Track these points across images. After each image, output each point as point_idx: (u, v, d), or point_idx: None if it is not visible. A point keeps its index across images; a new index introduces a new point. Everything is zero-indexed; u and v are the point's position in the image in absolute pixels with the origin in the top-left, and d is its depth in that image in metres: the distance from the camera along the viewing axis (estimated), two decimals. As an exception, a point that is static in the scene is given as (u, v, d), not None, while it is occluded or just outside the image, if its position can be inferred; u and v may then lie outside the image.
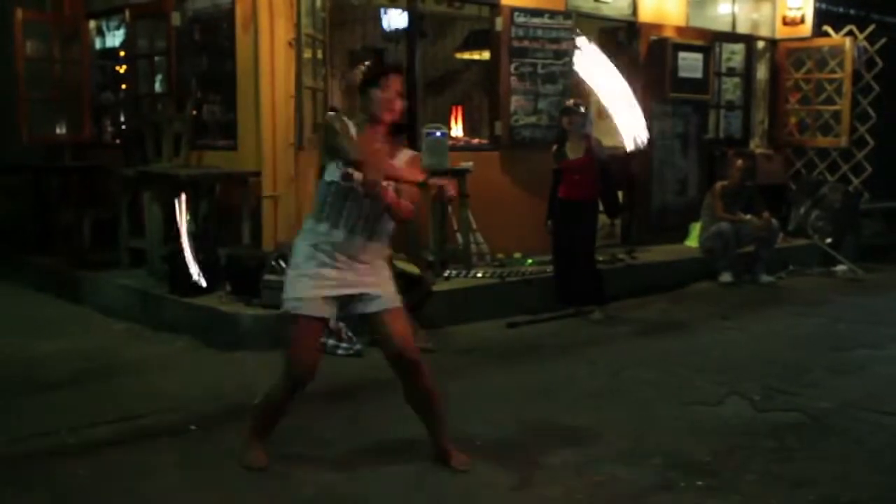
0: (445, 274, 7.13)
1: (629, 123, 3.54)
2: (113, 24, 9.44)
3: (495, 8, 8.12)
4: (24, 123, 8.54)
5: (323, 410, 4.54)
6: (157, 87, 8.19)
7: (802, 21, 10.63)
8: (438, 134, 7.33)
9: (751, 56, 10.50)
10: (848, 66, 10.25)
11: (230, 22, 7.11)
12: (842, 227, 9.92)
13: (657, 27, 9.30)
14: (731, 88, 10.61)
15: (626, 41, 9.39)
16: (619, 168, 8.81)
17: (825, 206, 10.02)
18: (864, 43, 10.48)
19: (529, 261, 7.78)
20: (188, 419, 4.47)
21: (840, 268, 9.19)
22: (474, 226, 7.68)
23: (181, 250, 6.44)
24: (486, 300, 6.93)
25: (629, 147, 3.75)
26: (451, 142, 7.72)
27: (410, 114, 7.95)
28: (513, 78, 8.16)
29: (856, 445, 4.23)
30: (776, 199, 9.95)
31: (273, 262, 6.06)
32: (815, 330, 6.78)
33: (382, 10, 10.15)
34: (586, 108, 7.41)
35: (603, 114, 3.51)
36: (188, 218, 6.59)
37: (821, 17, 10.85)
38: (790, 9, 10.59)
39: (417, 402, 3.92)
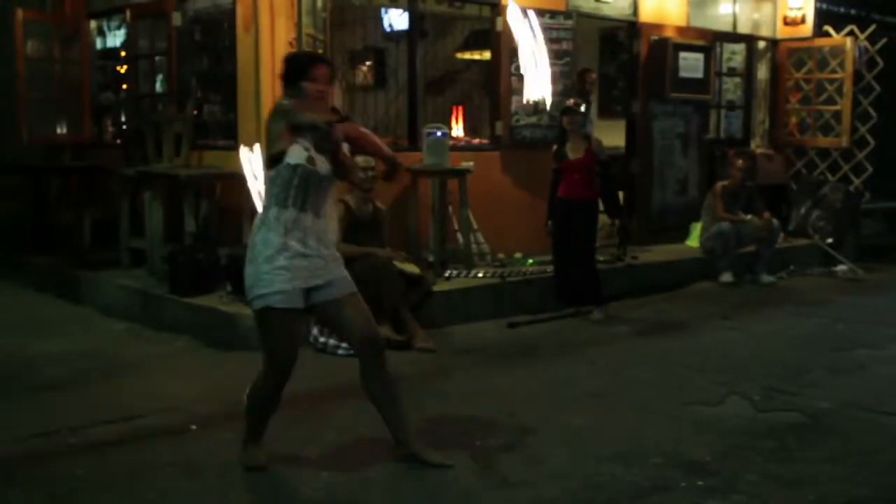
0: (446, 274, 7.13)
1: (536, 82, 3.70)
2: (113, 24, 9.44)
3: (496, 8, 8.11)
4: (24, 123, 8.54)
5: (323, 410, 4.54)
6: (158, 87, 8.19)
7: (803, 21, 10.62)
8: (439, 134, 7.33)
9: (751, 56, 10.50)
10: (849, 66, 10.25)
11: (231, 22, 7.12)
12: (842, 228, 9.91)
13: (658, 27, 9.30)
14: (731, 88, 10.61)
15: (626, 41, 9.40)
16: (619, 168, 8.84)
17: (826, 206, 10.02)
18: (865, 43, 10.47)
19: (530, 261, 7.78)
20: (188, 419, 4.47)
21: (840, 268, 9.19)
22: (475, 226, 7.68)
23: (182, 250, 6.46)
24: (487, 300, 6.93)
25: (532, 99, 3.87)
26: (451, 142, 7.72)
27: (411, 114, 7.98)
28: (513, 78, 8.16)
29: (855, 445, 4.23)
30: (777, 199, 9.95)
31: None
32: (815, 330, 6.78)
33: (383, 10, 10.16)
34: (587, 109, 7.42)
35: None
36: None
37: (821, 17, 10.84)
38: (791, 9, 10.58)
39: (380, 392, 3.89)
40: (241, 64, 7.07)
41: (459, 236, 7.52)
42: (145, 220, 7.08)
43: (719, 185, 8.73)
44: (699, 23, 9.75)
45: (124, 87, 9.03)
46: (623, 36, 9.90)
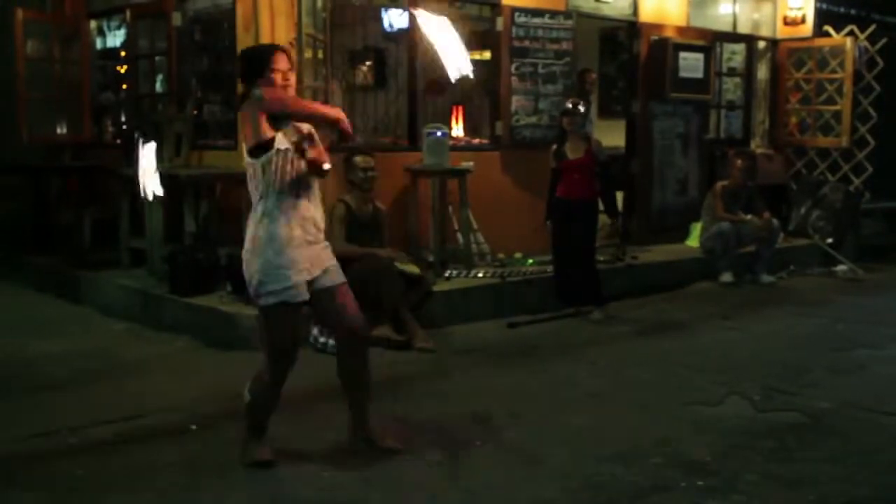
0: (446, 274, 7.13)
1: (451, 54, 3.74)
2: (113, 24, 9.45)
3: (496, 8, 8.12)
4: (24, 123, 8.54)
5: (323, 410, 4.54)
6: (158, 87, 8.19)
7: (803, 21, 10.62)
8: (439, 134, 7.33)
9: (751, 56, 10.50)
10: (849, 66, 10.24)
11: (231, 22, 7.11)
12: (842, 228, 9.91)
13: (658, 27, 9.30)
14: (731, 88, 10.61)
15: (626, 41, 9.40)
16: (619, 168, 8.84)
17: (826, 206, 10.01)
18: (865, 43, 10.47)
19: (530, 261, 7.78)
20: (188, 419, 4.47)
21: (841, 268, 9.19)
22: (475, 226, 7.68)
23: (182, 250, 6.46)
24: (487, 300, 6.93)
25: (452, 76, 3.89)
26: (451, 142, 7.72)
27: (411, 114, 7.98)
28: (513, 78, 8.16)
29: (855, 445, 4.23)
30: (777, 199, 9.94)
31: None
32: (815, 330, 6.78)
33: (383, 10, 10.15)
34: (586, 109, 7.42)
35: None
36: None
37: (822, 17, 10.84)
38: (791, 9, 10.58)
39: (354, 378, 3.92)
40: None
41: (459, 236, 7.52)
42: (145, 220, 7.08)
43: (719, 185, 8.73)
44: (699, 23, 9.75)
45: (124, 87, 9.03)
46: (623, 36, 9.90)
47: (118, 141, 8.89)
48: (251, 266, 3.68)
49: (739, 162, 8.64)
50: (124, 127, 8.88)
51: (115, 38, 9.62)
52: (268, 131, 3.59)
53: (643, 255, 8.47)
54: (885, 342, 6.33)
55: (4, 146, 8.77)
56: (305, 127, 3.77)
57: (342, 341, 3.93)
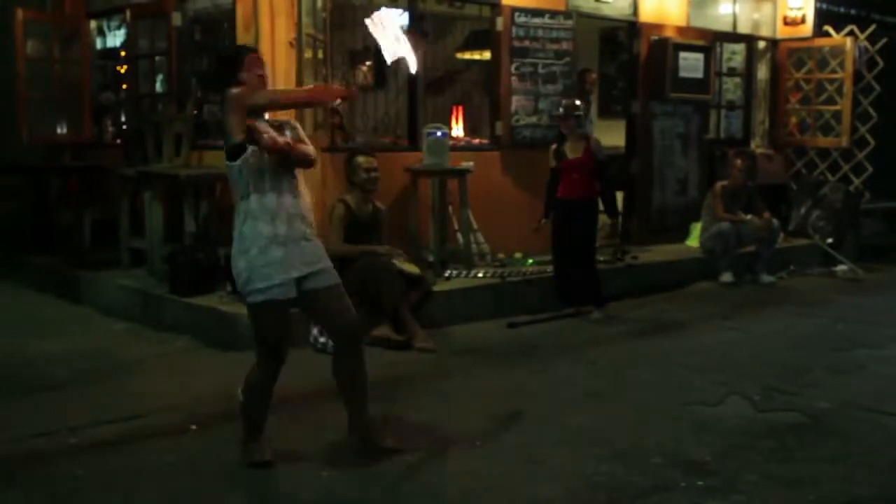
0: (446, 274, 7.13)
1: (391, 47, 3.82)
2: (113, 24, 9.45)
3: (496, 8, 8.12)
4: (24, 123, 8.54)
5: (323, 410, 4.53)
6: (158, 87, 8.19)
7: (803, 21, 10.62)
8: (439, 134, 7.33)
9: (751, 56, 10.50)
10: (849, 66, 10.24)
11: (231, 22, 7.11)
12: (842, 228, 9.91)
13: (658, 27, 9.30)
14: (731, 88, 10.61)
15: (626, 41, 9.41)
16: (618, 168, 8.84)
17: (826, 206, 10.01)
18: (865, 43, 10.47)
19: (530, 261, 7.78)
20: (188, 419, 4.47)
21: (841, 268, 9.19)
22: (475, 226, 7.68)
23: (182, 250, 6.45)
24: (487, 300, 6.93)
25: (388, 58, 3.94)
26: (451, 142, 7.72)
27: (411, 113, 7.97)
28: (513, 78, 8.16)
29: (855, 445, 4.23)
30: (777, 199, 9.95)
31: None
32: (815, 330, 6.78)
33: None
34: (585, 109, 7.42)
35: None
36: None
37: (821, 17, 10.84)
38: (791, 9, 10.58)
39: (350, 378, 3.92)
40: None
41: (459, 236, 7.52)
42: (145, 220, 7.08)
43: (719, 185, 8.73)
44: (699, 23, 9.75)
45: (124, 87, 9.03)
46: (623, 36, 9.90)
47: (118, 141, 8.89)
48: (237, 265, 3.71)
49: (739, 162, 8.64)
50: (124, 127, 8.88)
51: (115, 38, 9.62)
52: (243, 132, 3.60)
53: (643, 255, 8.47)
54: (885, 342, 6.33)
55: (4, 146, 8.78)
56: (286, 123, 3.80)
57: (337, 342, 3.93)
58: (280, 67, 6.78)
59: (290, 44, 6.66)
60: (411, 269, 6.24)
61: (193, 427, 4.38)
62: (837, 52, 10.33)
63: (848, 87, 10.26)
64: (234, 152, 3.63)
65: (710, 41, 9.74)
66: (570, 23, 8.48)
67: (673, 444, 4.19)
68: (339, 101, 3.89)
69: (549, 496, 3.63)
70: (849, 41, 10.26)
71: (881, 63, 10.41)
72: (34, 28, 8.69)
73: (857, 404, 4.84)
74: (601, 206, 7.11)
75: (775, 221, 8.69)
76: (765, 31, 10.67)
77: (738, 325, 6.89)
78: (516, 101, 8.20)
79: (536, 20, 8.24)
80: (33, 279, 7.99)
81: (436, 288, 6.58)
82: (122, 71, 9.14)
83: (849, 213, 10.05)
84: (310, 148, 3.79)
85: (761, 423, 4.52)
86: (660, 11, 9.32)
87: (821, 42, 10.54)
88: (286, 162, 3.70)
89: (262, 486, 3.73)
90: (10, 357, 5.75)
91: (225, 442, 4.09)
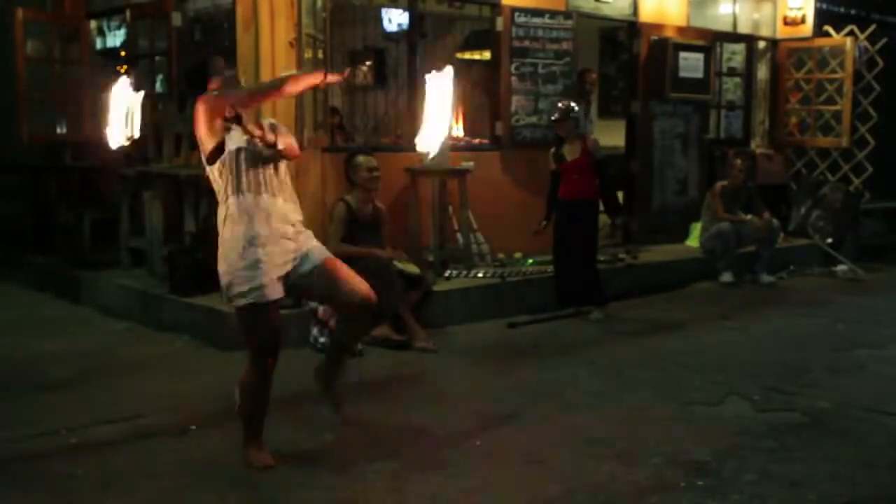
0: (446, 274, 7.13)
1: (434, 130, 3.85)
2: (113, 24, 9.44)
3: (496, 8, 8.12)
4: (24, 123, 8.54)
5: (322, 410, 4.53)
6: (158, 87, 8.19)
7: (803, 21, 10.62)
8: (439, 134, 7.32)
9: (751, 56, 10.50)
10: (849, 66, 10.24)
11: (231, 22, 7.10)
12: (842, 227, 9.91)
13: (658, 27, 9.30)
14: (731, 88, 10.61)
15: (626, 41, 9.41)
16: (617, 168, 8.83)
17: (826, 206, 10.01)
18: (865, 43, 10.47)
19: (530, 261, 7.78)
20: (188, 419, 4.47)
21: (840, 268, 9.19)
22: (475, 226, 7.69)
23: (182, 250, 6.45)
24: (487, 300, 6.93)
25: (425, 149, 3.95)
26: (451, 141, 7.71)
27: (411, 113, 7.97)
28: (513, 78, 8.17)
29: (855, 445, 4.23)
30: (777, 199, 9.94)
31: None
32: (815, 330, 6.78)
33: (383, 10, 10.16)
34: (581, 109, 7.41)
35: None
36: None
37: (821, 17, 10.84)
38: (791, 9, 10.58)
39: (348, 338, 4.00)
40: (241, 64, 7.05)
41: (459, 236, 7.52)
42: (145, 220, 7.08)
43: (719, 185, 8.73)
44: (699, 23, 9.75)
45: (124, 87, 9.01)
46: (623, 36, 9.90)
47: (118, 141, 8.89)
48: (221, 269, 3.70)
49: (739, 162, 8.64)
50: (125, 127, 8.87)
51: (115, 38, 9.61)
52: (217, 135, 3.60)
53: (643, 255, 8.47)
54: (885, 342, 6.33)
55: (4, 146, 8.77)
56: (264, 123, 3.78)
57: (348, 311, 3.87)
58: (280, 67, 6.78)
59: (290, 44, 6.65)
60: (411, 269, 6.25)
61: (193, 427, 4.38)
62: (837, 52, 10.33)
63: (848, 87, 10.26)
64: (215, 154, 3.63)
65: (710, 41, 9.74)
66: (570, 23, 8.49)
67: (673, 444, 4.19)
68: (337, 80, 3.78)
69: (549, 496, 3.62)
70: (849, 41, 10.26)
71: (881, 63, 10.41)
72: (34, 28, 8.69)
73: (857, 404, 4.84)
74: (601, 207, 7.11)
75: (775, 221, 8.69)
76: (765, 31, 10.67)
77: (738, 325, 6.88)
78: (516, 101, 8.20)
79: (536, 20, 8.24)
80: (33, 279, 7.99)
81: (436, 288, 6.59)
82: (122, 71, 9.12)
83: (849, 213, 10.05)
84: (291, 139, 3.82)
85: (761, 423, 4.52)
86: (660, 11, 9.32)
87: (821, 42, 10.54)
88: (270, 160, 3.69)
89: (262, 486, 3.73)
90: (10, 357, 5.75)
91: (225, 442, 4.09)
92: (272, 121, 3.99)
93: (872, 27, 10.56)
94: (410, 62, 7.92)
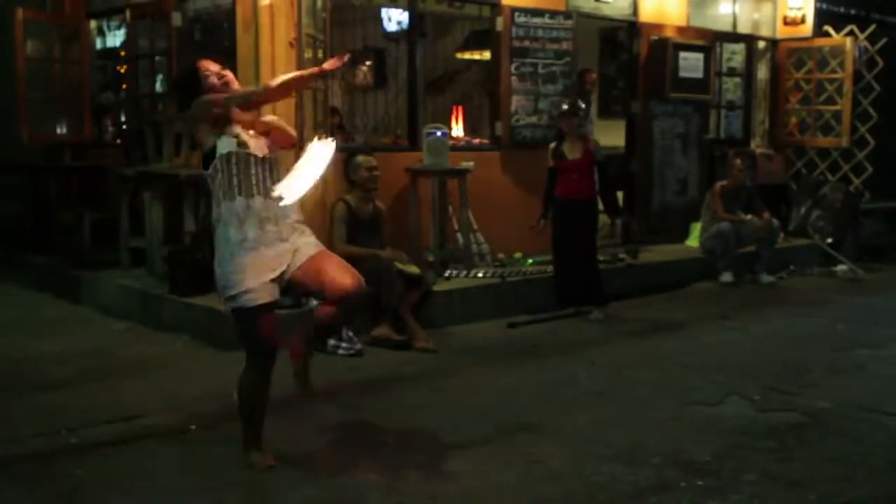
0: (446, 274, 7.13)
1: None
2: (113, 24, 9.45)
3: (496, 8, 8.12)
4: (24, 123, 8.54)
5: (323, 411, 4.54)
6: (158, 87, 8.19)
7: (803, 21, 10.63)
8: (439, 134, 7.33)
9: (751, 56, 10.50)
10: (849, 66, 10.25)
11: (231, 22, 7.11)
12: (842, 227, 9.91)
13: (658, 27, 9.30)
14: (731, 88, 10.61)
15: (626, 41, 9.41)
16: (617, 168, 8.84)
17: (826, 206, 10.01)
18: (865, 43, 10.47)
19: (530, 261, 7.78)
20: (188, 419, 4.47)
21: (841, 268, 9.19)
22: (475, 226, 7.69)
23: (182, 250, 6.45)
24: (487, 300, 6.93)
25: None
26: (451, 141, 7.72)
27: (411, 113, 7.98)
28: (513, 78, 8.17)
29: (855, 445, 4.23)
30: (777, 199, 9.95)
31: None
32: (815, 330, 6.78)
33: (383, 10, 10.16)
34: (585, 109, 7.41)
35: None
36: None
37: (821, 17, 10.85)
38: (791, 9, 10.59)
39: (331, 325, 3.92)
40: (241, 64, 7.05)
41: (459, 236, 7.52)
42: (145, 220, 7.08)
43: (719, 185, 8.73)
44: (699, 23, 9.75)
45: (124, 87, 9.02)
46: (623, 36, 9.90)
47: (118, 141, 8.89)
48: (215, 272, 3.69)
49: (739, 162, 8.64)
50: (124, 127, 8.88)
51: (115, 38, 9.62)
52: (211, 140, 3.61)
53: (643, 255, 8.47)
54: (885, 342, 6.33)
55: (4, 146, 8.78)
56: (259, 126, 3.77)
57: (338, 301, 3.78)
58: (280, 67, 6.78)
59: (290, 44, 6.65)
60: (411, 269, 6.24)
61: (193, 427, 4.38)
62: (837, 51, 10.33)
63: (848, 87, 10.26)
64: (208, 159, 3.63)
65: (710, 41, 9.74)
66: (570, 23, 8.49)
67: (673, 444, 4.19)
68: (335, 65, 3.76)
69: (549, 496, 3.62)
70: (849, 41, 10.26)
71: (881, 63, 10.41)
72: (34, 28, 8.69)
73: (857, 404, 4.84)
74: (601, 206, 7.11)
75: (775, 221, 8.69)
76: (765, 31, 10.67)
77: (738, 325, 6.89)
78: (516, 101, 8.20)
79: (536, 20, 8.24)
80: (33, 279, 7.99)
81: (436, 288, 6.59)
82: (122, 71, 9.13)
83: (849, 213, 10.05)
84: (285, 127, 3.89)
85: (761, 423, 4.52)
86: (660, 11, 9.32)
87: (821, 42, 10.54)
88: (267, 163, 3.68)
89: (261, 486, 3.73)
90: (10, 357, 5.75)
91: (225, 442, 4.09)
92: (271, 117, 3.98)
93: (872, 27, 10.56)
94: (410, 62, 7.92)
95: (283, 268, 3.66)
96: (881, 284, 8.85)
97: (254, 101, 3.74)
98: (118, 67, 9.43)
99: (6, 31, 8.57)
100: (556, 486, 3.71)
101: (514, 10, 8.10)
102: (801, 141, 10.79)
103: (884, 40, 10.51)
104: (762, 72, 10.84)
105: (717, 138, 10.39)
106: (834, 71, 10.36)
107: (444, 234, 7.51)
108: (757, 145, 10.71)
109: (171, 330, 6.25)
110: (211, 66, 3.78)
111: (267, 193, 3.63)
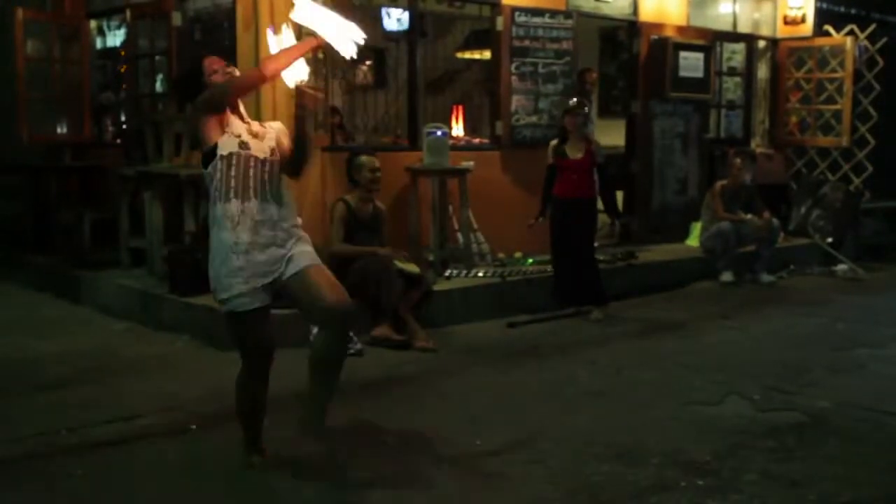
0: (446, 274, 7.13)
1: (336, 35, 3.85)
2: (113, 23, 9.44)
3: (496, 7, 8.11)
4: (24, 123, 8.54)
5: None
6: (158, 86, 8.19)
7: (803, 20, 10.63)
8: (439, 133, 7.33)
9: (752, 55, 10.50)
10: (849, 66, 10.25)
11: (231, 21, 7.10)
12: (842, 227, 9.91)
13: (658, 27, 9.30)
14: (731, 88, 10.61)
15: (626, 41, 9.41)
16: (617, 168, 8.84)
17: (826, 205, 10.01)
18: (865, 42, 10.47)
19: (530, 260, 7.78)
20: (188, 419, 4.47)
21: (841, 267, 9.19)
22: (475, 225, 7.68)
23: (182, 250, 6.45)
24: (487, 300, 6.93)
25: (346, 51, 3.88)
26: (451, 141, 7.72)
27: (411, 113, 7.98)
28: (513, 77, 8.16)
29: (855, 445, 4.23)
30: (777, 199, 9.94)
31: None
32: (815, 330, 6.78)
33: (383, 10, 10.15)
34: (588, 109, 7.42)
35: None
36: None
37: (822, 16, 10.85)
38: (791, 8, 10.59)
39: (328, 358, 3.74)
40: (241, 64, 7.05)
41: (459, 236, 7.52)
42: (145, 220, 7.08)
43: (719, 184, 8.73)
44: (699, 22, 9.75)
45: (124, 86, 9.03)
46: (623, 36, 9.90)
47: (118, 141, 8.89)
48: (209, 274, 3.65)
49: (739, 161, 8.64)
50: (124, 127, 8.88)
51: (115, 38, 9.61)
52: (213, 138, 3.58)
53: (643, 255, 8.47)
54: (885, 342, 6.33)
55: (4, 146, 8.78)
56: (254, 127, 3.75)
57: (321, 324, 3.76)
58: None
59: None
60: (411, 268, 6.24)
61: (193, 427, 4.38)
62: (837, 51, 10.33)
63: (848, 87, 10.26)
64: (208, 158, 3.60)
65: (710, 41, 9.74)
66: (570, 22, 8.48)
67: (673, 443, 4.19)
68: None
69: (549, 496, 3.62)
70: (849, 40, 10.26)
71: (881, 62, 10.42)
72: (34, 28, 8.69)
73: (857, 404, 4.84)
74: (601, 206, 7.11)
75: (775, 221, 8.69)
76: (765, 31, 10.67)
77: (738, 324, 6.88)
78: (516, 101, 8.20)
79: (536, 20, 8.24)
80: (33, 279, 7.99)
81: (436, 288, 6.58)
82: (123, 71, 9.13)
83: (849, 213, 10.05)
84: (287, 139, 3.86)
85: (761, 423, 4.52)
86: (660, 11, 9.32)
87: (821, 41, 10.54)
88: (268, 166, 3.65)
89: (261, 486, 3.73)
90: (10, 357, 5.75)
91: (225, 442, 4.09)
92: (276, 124, 3.98)
93: (872, 27, 10.56)
94: (411, 62, 7.92)
95: (276, 274, 3.58)
96: (881, 284, 8.85)
97: (256, 82, 3.75)
98: (118, 67, 9.42)
99: (6, 31, 8.57)
100: (556, 486, 3.71)
101: (514, 9, 8.10)
102: (801, 140, 10.79)
103: (884, 40, 10.52)
104: (762, 71, 10.84)
105: (717, 138, 10.39)
106: (834, 70, 10.36)
107: (445, 233, 7.51)
108: (757, 145, 10.71)
109: (171, 330, 6.25)
110: (216, 63, 3.77)
111: (265, 196, 3.59)
